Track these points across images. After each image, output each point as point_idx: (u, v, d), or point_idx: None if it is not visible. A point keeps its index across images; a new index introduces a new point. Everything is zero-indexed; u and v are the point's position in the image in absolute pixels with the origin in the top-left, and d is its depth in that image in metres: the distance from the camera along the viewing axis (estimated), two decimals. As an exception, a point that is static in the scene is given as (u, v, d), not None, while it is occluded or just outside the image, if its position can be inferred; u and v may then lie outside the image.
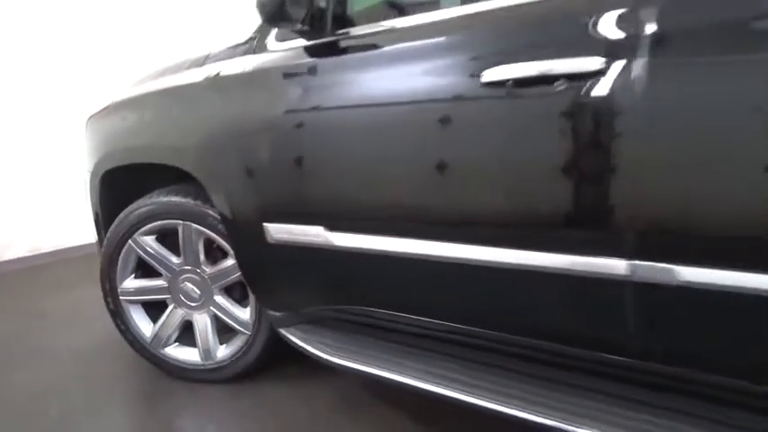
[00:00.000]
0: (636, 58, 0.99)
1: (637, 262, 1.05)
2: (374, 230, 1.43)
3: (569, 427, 1.22)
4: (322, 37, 1.50)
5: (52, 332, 2.61)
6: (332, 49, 1.49)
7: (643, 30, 0.99)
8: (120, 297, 2.08)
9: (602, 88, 1.02)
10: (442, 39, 1.30)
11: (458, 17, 1.29)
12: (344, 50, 1.48)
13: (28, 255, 3.75)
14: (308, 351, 1.70)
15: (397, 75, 1.35)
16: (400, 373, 1.54)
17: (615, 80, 1.01)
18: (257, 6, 1.35)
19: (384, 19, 1.47)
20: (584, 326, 1.20)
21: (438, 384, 1.46)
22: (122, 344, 2.15)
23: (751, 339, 1.02)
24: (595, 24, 1.04)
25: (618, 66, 1.01)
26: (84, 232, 3.45)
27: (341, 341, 1.71)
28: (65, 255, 3.77)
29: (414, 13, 1.41)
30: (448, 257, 1.32)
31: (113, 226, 2.02)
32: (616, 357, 1.17)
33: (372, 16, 1.52)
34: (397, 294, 1.52)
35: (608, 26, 1.03)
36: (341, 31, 1.50)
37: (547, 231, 1.16)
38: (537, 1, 1.15)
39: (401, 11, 1.59)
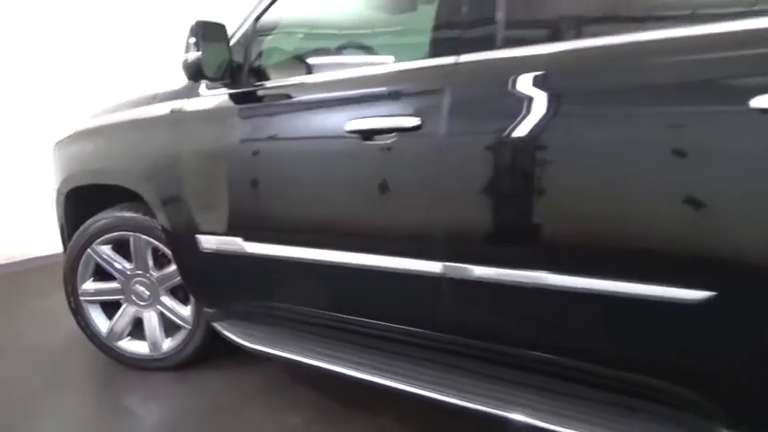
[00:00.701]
0: (437, 121, 1.40)
1: (447, 263, 1.45)
2: (277, 240, 1.82)
3: (418, 390, 1.61)
4: (240, 87, 1.90)
5: (22, 331, 2.94)
6: (248, 98, 1.88)
7: (441, 103, 1.40)
8: (81, 298, 2.44)
9: (415, 139, 1.44)
10: (325, 95, 1.71)
11: (335, 80, 1.70)
12: (258, 98, 1.87)
13: (2, 262, 4.07)
14: (233, 340, 2.08)
15: (294, 118, 1.75)
16: (309, 357, 1.91)
17: (423, 133, 1.42)
18: (183, 67, 1.74)
19: (289, 73, 1.87)
20: (423, 309, 1.60)
21: (337, 364, 1.83)
22: (84, 339, 2.50)
23: (525, 317, 1.42)
24: (415, 95, 1.46)
25: (427, 123, 1.42)
26: (54, 243, 3.77)
27: (262, 332, 2.08)
28: (36, 263, 4.10)
29: (312, 71, 1.82)
30: (332, 262, 1.72)
31: (75, 236, 2.38)
32: (441, 334, 1.58)
33: (280, 71, 1.92)
34: (296, 292, 1.91)
35: (421, 99, 1.45)
36: (256, 83, 1.89)
37: (396, 243, 1.56)
38: (384, 73, 1.57)
39: (308, 68, 1.99)
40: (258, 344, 2.00)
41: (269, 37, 1.93)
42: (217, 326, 2.17)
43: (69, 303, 2.45)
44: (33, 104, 4.10)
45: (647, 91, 1.16)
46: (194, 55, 1.71)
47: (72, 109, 4.03)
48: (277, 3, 1.86)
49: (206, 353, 2.40)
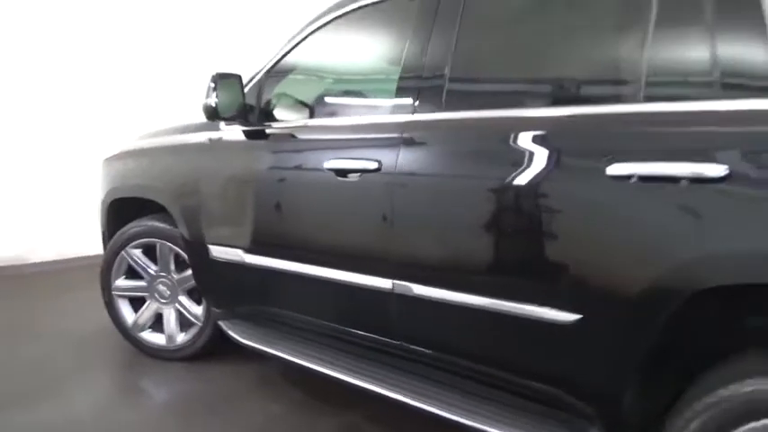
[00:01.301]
0: (392, 165, 1.74)
1: (391, 281, 1.78)
2: (268, 254, 2.19)
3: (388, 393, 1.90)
4: (252, 125, 2.29)
5: (62, 318, 3.40)
6: (256, 135, 2.27)
7: (397, 151, 1.75)
8: (113, 292, 2.86)
9: (374, 178, 1.78)
10: (312, 137, 2.09)
11: (320, 126, 2.08)
12: (264, 136, 2.26)
13: (56, 259, 4.61)
14: (232, 337, 2.44)
15: (288, 154, 2.14)
16: (294, 355, 2.25)
17: (384, 174, 1.77)
18: (203, 109, 2.15)
19: (293, 115, 2.25)
20: (378, 318, 1.92)
21: (316, 363, 2.15)
22: (113, 329, 2.92)
23: (459, 330, 1.73)
24: (373, 143, 1.82)
25: (384, 166, 1.77)
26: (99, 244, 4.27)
27: (258, 332, 2.43)
28: (84, 261, 4.61)
29: (312, 115, 2.20)
30: (310, 274, 2.06)
31: (112, 240, 2.82)
32: (391, 340, 1.89)
33: (286, 113, 2.29)
34: (282, 298, 2.27)
35: (379, 146, 1.80)
36: (265, 123, 2.28)
37: (358, 261, 1.90)
38: (356, 124, 1.94)
39: (311, 110, 2.36)
40: (252, 341, 2.36)
41: (278, 84, 2.33)
42: (222, 324, 2.54)
43: (103, 296, 2.88)
44: (86, 119, 4.65)
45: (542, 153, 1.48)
46: (212, 99, 2.11)
47: (118, 124, 4.55)
48: (286, 59, 2.26)
49: (213, 348, 2.77)
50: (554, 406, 1.56)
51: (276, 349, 2.28)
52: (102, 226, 3.04)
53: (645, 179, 1.28)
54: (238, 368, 2.73)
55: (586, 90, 1.54)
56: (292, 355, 2.22)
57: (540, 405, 1.60)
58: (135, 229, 2.77)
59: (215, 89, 2.12)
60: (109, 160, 3.06)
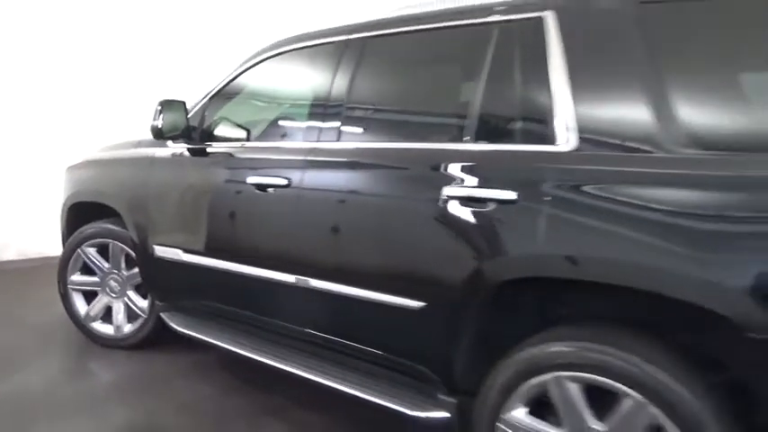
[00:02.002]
0: (299, 182, 2.16)
1: (295, 276, 2.19)
2: (204, 254, 2.58)
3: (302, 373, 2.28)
4: (194, 144, 2.69)
5: (27, 312, 3.71)
6: (198, 152, 2.67)
7: (303, 171, 2.17)
8: (68, 286, 3.20)
9: (284, 193, 2.20)
10: (240, 157, 2.49)
11: (246, 147, 2.49)
12: (206, 153, 2.65)
13: (17, 258, 4.89)
14: (171, 326, 2.81)
15: (220, 169, 2.53)
16: (224, 342, 2.61)
17: (292, 189, 2.18)
18: (150, 129, 2.54)
19: (232, 136, 2.65)
20: (290, 309, 2.32)
21: (241, 348, 2.52)
22: (69, 321, 3.25)
23: (342, 316, 2.14)
24: (286, 164, 2.23)
25: (293, 183, 2.18)
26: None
27: (193, 322, 2.80)
28: (47, 261, 4.90)
29: (248, 138, 2.60)
30: (232, 271, 2.45)
31: (70, 239, 3.17)
32: (300, 328, 2.30)
33: (225, 134, 2.69)
34: (212, 292, 2.65)
35: (290, 167, 2.22)
36: (206, 143, 2.67)
37: (270, 259, 2.30)
38: (272, 146, 2.36)
39: (247, 133, 2.76)
40: (188, 330, 2.73)
41: (219, 110, 2.73)
42: (163, 315, 2.90)
43: (59, 289, 3.22)
44: (55, 130, 4.98)
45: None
46: (158, 121, 2.51)
47: (84, 135, 4.88)
48: (225, 89, 2.67)
49: (156, 338, 3.11)
50: (412, 375, 1.98)
51: (209, 337, 2.65)
52: (62, 227, 3.39)
53: (466, 200, 1.72)
54: (177, 356, 3.08)
55: (430, 131, 2.00)
56: (222, 342, 2.59)
57: (404, 376, 2.02)
58: (91, 230, 3.12)
59: (161, 112, 2.52)
60: (72, 168, 3.41)
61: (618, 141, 1.55)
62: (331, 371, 2.20)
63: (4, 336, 3.32)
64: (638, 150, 1.51)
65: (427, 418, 1.90)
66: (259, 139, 2.59)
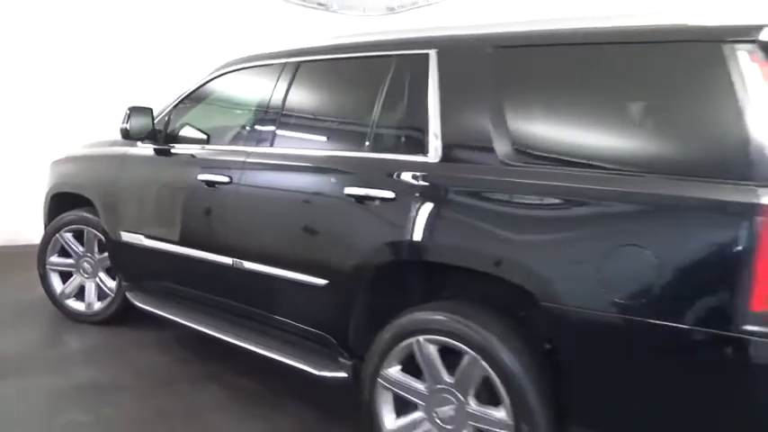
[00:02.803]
0: (238, 180, 2.58)
1: (231, 259, 2.61)
2: (161, 239, 2.98)
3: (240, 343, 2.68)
4: (158, 145, 3.10)
5: (11, 292, 4.11)
6: (163, 152, 3.08)
7: (242, 170, 2.59)
8: (47, 267, 3.61)
9: (226, 188, 2.61)
10: (195, 157, 2.90)
11: (199, 149, 2.90)
12: (167, 153, 3.07)
13: (5, 244, 5.29)
14: (134, 303, 3.21)
15: (178, 167, 2.95)
16: (178, 317, 3.01)
17: (232, 185, 2.60)
18: (120, 131, 2.96)
19: (193, 139, 3.06)
20: (228, 287, 2.73)
21: (193, 322, 2.92)
22: (46, 298, 3.65)
23: (266, 292, 2.55)
24: (229, 164, 2.65)
25: (233, 180, 2.60)
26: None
27: (154, 299, 3.20)
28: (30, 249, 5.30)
29: (208, 141, 3.02)
30: (190, 255, 2.85)
31: (50, 225, 3.58)
32: (237, 304, 2.70)
33: (187, 136, 3.10)
34: (172, 274, 3.06)
35: (232, 167, 2.64)
36: (169, 144, 3.09)
37: (213, 244, 2.71)
38: (219, 149, 2.78)
39: (207, 137, 3.17)
40: (147, 306, 3.13)
41: (181, 116, 3.15)
42: (128, 294, 3.30)
43: (38, 269, 3.63)
44: (45, 127, 5.39)
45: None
46: (127, 125, 2.93)
47: (72, 131, 5.27)
48: (189, 97, 3.09)
49: (122, 315, 3.51)
50: (319, 342, 2.39)
51: (164, 312, 3.05)
52: (44, 214, 3.79)
53: (360, 197, 2.14)
54: (139, 331, 3.48)
55: (340, 141, 2.44)
56: (175, 316, 3.00)
57: (314, 343, 2.43)
58: (69, 217, 3.53)
59: (129, 117, 2.93)
60: (55, 162, 3.83)
61: (469, 155, 1.98)
62: (258, 339, 2.61)
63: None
64: (481, 162, 1.94)
65: (329, 377, 2.31)
66: (212, 142, 3.00)
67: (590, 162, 1.77)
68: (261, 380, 2.89)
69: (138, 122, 2.97)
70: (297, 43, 2.67)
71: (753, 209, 1.46)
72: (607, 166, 1.74)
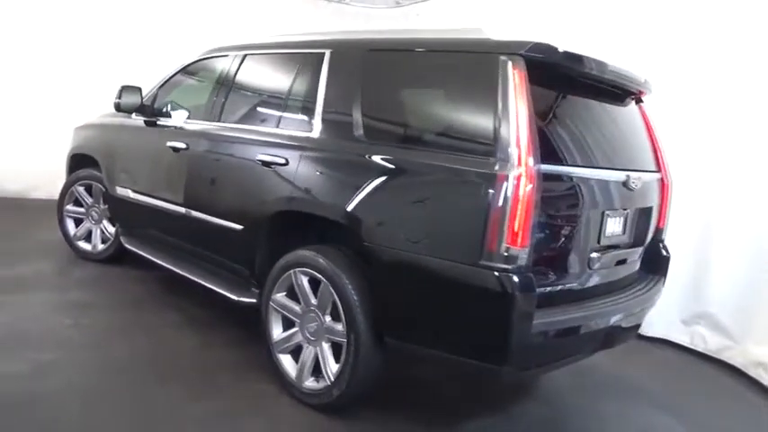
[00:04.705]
0: (194, 146, 3.27)
1: (185, 209, 3.31)
2: (140, 193, 3.73)
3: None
4: (147, 117, 3.83)
5: (40, 231, 5.00)
6: (148, 123, 3.81)
7: (197, 139, 3.28)
8: (64, 213, 4.44)
9: (185, 153, 3.31)
10: (168, 128, 3.61)
11: (175, 123, 3.60)
12: (153, 124, 3.80)
13: (47, 198, 6.24)
14: (124, 244, 3.98)
15: (158, 135, 3.67)
16: (154, 256, 3.76)
17: (189, 151, 3.29)
18: (114, 105, 3.70)
19: (167, 114, 3.77)
20: (183, 230, 3.44)
21: (160, 258, 3.67)
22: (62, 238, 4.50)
23: (204, 234, 3.24)
24: (189, 134, 3.34)
25: (190, 147, 3.29)
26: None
27: (139, 242, 3.96)
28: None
29: (189, 116, 3.73)
30: (159, 206, 3.58)
31: (66, 181, 4.41)
32: (188, 245, 3.41)
33: (164, 111, 3.82)
34: (149, 221, 3.80)
35: (191, 137, 3.33)
36: (155, 116, 3.81)
37: (172, 197, 3.42)
38: (181, 124, 3.48)
39: (189, 112, 3.88)
40: (132, 246, 3.90)
41: (167, 94, 3.87)
42: (121, 238, 4.09)
43: (58, 215, 4.47)
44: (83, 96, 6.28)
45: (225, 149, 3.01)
46: (118, 99, 3.67)
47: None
48: (170, 80, 3.81)
49: (119, 256, 4.30)
50: (238, 274, 3.06)
51: (142, 251, 3.81)
52: (66, 171, 4.64)
53: (266, 162, 2.78)
54: (129, 269, 4.27)
55: (263, 119, 3.09)
56: (147, 253, 3.75)
57: (237, 275, 3.11)
58: (81, 174, 4.36)
59: (121, 93, 3.68)
60: (77, 128, 4.66)
61: (336, 133, 2.60)
62: (197, 271, 3.32)
63: (20, 245, 4.63)
64: (342, 137, 2.55)
65: (244, 301, 2.98)
66: (186, 117, 3.70)
67: (408, 142, 2.36)
68: (211, 310, 3.59)
69: (128, 99, 3.71)
70: (245, 39, 3.32)
71: (491, 177, 2.01)
72: (418, 145, 2.32)
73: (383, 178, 2.33)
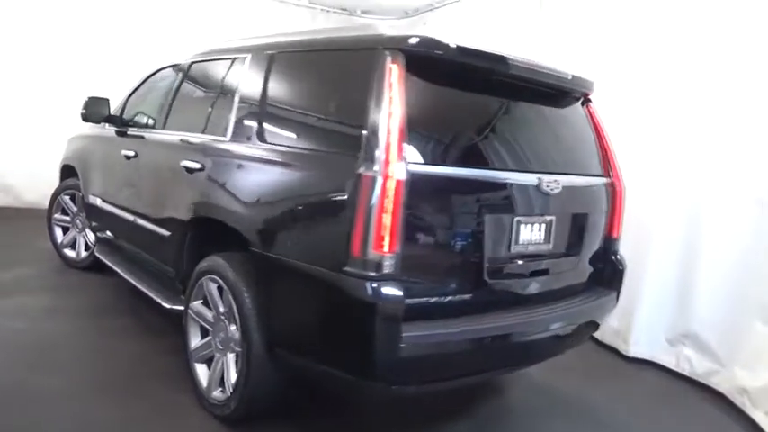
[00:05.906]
0: (142, 154, 3.31)
1: (132, 216, 3.34)
2: (105, 201, 3.81)
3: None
4: (116, 127, 3.93)
5: (33, 240, 5.23)
6: (118, 133, 3.91)
7: (144, 147, 3.32)
8: (52, 222, 4.62)
9: (135, 160, 3.35)
10: (135, 140, 3.68)
11: (136, 132, 3.67)
12: (121, 134, 3.88)
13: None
14: (96, 252, 4.09)
15: (122, 145, 3.75)
16: (108, 260, 3.84)
17: (137, 159, 3.33)
18: (80, 115, 3.82)
19: (139, 125, 3.86)
20: (132, 236, 3.48)
21: (114, 263, 3.74)
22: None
23: (143, 239, 3.25)
24: (139, 143, 3.39)
25: (139, 155, 3.33)
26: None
27: (107, 249, 4.06)
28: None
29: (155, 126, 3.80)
30: (117, 214, 3.65)
31: (54, 190, 4.60)
32: (135, 249, 3.45)
33: (136, 122, 3.91)
34: (110, 227, 3.88)
35: (140, 145, 3.37)
36: (123, 127, 3.90)
37: (126, 203, 3.47)
38: (134, 134, 3.54)
39: (155, 122, 3.95)
40: (99, 253, 3.99)
41: (138, 102, 3.96)
42: (95, 245, 4.20)
43: (47, 223, 4.65)
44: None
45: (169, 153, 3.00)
46: (83, 110, 3.78)
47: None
48: (137, 92, 3.89)
49: (100, 262, 4.41)
50: (171, 281, 3.05)
51: (103, 256, 3.89)
52: (59, 181, 4.83)
53: (186, 168, 2.77)
54: (105, 276, 4.33)
55: (190, 126, 3.03)
56: (106, 258, 3.83)
57: (164, 276, 3.10)
58: (66, 183, 4.52)
59: (87, 105, 3.79)
60: (69, 139, 4.85)
61: (240, 138, 2.55)
62: (144, 279, 3.33)
63: (21, 253, 4.86)
64: (243, 141, 2.50)
65: (173, 308, 2.96)
66: (140, 126, 3.77)
67: (294, 144, 2.30)
68: (168, 317, 3.58)
69: (95, 110, 3.81)
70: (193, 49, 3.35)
71: (356, 178, 1.89)
72: (303, 147, 2.24)
73: (263, 181, 2.27)
